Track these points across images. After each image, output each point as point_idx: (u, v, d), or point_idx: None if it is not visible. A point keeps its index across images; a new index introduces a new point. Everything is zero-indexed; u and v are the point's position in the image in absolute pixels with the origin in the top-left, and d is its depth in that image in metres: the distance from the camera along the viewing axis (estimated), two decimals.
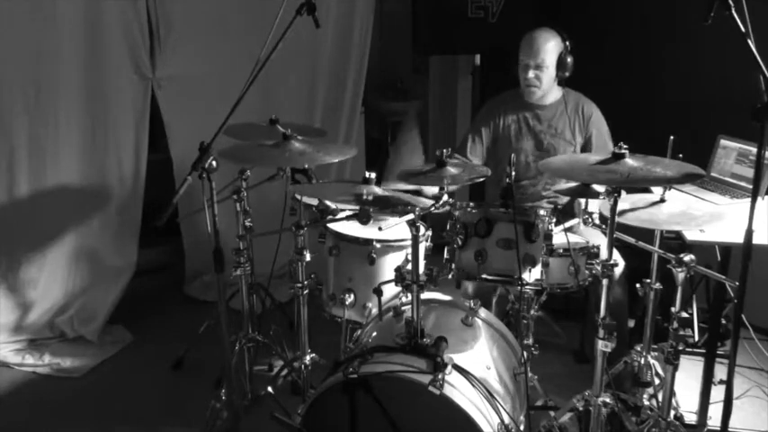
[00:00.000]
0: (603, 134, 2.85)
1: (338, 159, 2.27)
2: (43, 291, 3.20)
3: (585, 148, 2.84)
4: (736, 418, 2.13)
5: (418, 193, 2.17)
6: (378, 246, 2.31)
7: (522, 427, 1.95)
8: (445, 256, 2.18)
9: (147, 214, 3.37)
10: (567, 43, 2.73)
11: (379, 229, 1.93)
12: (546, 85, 2.76)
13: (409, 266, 1.94)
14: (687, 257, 1.96)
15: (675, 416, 2.36)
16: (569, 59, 2.71)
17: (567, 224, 2.19)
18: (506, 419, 1.83)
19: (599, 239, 2.35)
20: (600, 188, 2.06)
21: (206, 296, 3.61)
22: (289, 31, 1.88)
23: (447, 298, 2.23)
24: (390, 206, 1.95)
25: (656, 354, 2.39)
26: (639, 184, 2.00)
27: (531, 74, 2.73)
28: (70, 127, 3.11)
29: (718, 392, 2.00)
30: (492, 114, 2.94)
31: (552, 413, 2.22)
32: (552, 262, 2.13)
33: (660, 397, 2.23)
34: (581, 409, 2.12)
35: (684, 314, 2.04)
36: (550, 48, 2.70)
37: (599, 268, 1.95)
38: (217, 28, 3.37)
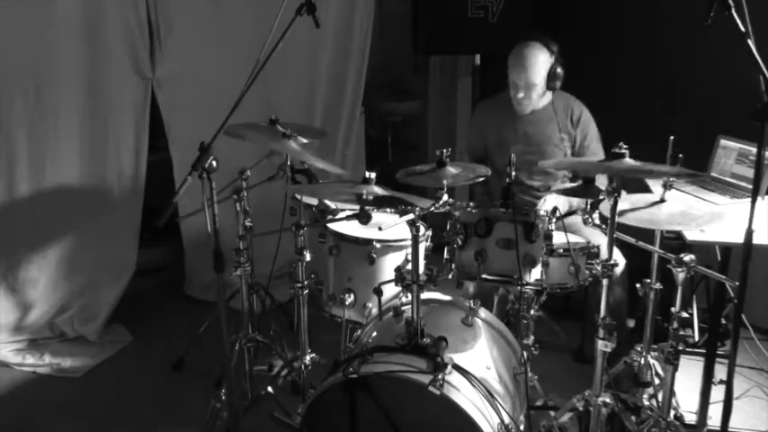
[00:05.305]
0: (592, 136, 2.84)
1: (328, 167, 2.25)
2: (43, 291, 3.20)
3: (576, 149, 2.85)
4: (736, 418, 2.13)
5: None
6: (378, 246, 2.31)
7: (522, 427, 1.95)
8: (445, 256, 2.18)
9: (147, 214, 3.38)
10: (557, 53, 2.72)
11: (379, 229, 1.93)
12: (535, 101, 2.78)
13: (409, 266, 1.94)
14: (687, 257, 1.96)
15: (675, 416, 2.36)
16: (559, 70, 2.71)
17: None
18: (506, 419, 1.83)
19: (599, 239, 2.35)
20: (600, 187, 2.06)
21: (206, 296, 3.61)
22: (289, 31, 1.88)
23: (447, 298, 2.23)
24: (391, 205, 1.95)
25: (656, 354, 2.38)
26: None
27: (520, 94, 2.74)
28: (70, 127, 3.11)
29: (718, 392, 2.00)
30: (481, 121, 3.01)
31: (552, 413, 2.22)
32: (552, 262, 2.13)
33: (660, 397, 2.23)
34: (581, 409, 2.12)
35: (684, 314, 2.04)
36: (539, 66, 2.69)
37: (599, 268, 1.95)
38: (217, 28, 3.37)
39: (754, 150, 2.56)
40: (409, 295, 1.95)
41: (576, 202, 2.69)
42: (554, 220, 2.10)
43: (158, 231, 2.37)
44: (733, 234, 2.23)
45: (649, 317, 2.34)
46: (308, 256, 2.34)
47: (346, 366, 1.82)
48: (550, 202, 2.62)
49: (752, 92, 1.54)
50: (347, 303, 2.35)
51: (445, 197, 2.11)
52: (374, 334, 2.16)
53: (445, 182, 2.14)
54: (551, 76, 2.71)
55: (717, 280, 2.23)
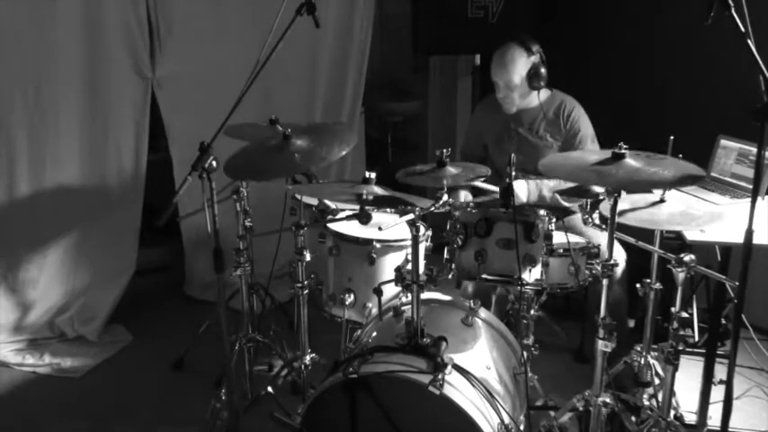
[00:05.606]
0: (585, 134, 2.81)
1: (343, 152, 2.18)
2: (43, 291, 3.20)
3: (564, 146, 2.82)
4: (736, 418, 2.14)
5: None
6: (378, 246, 2.31)
7: (522, 427, 1.95)
8: (445, 256, 2.18)
9: (148, 214, 3.38)
10: (540, 53, 2.72)
11: (379, 229, 1.93)
12: (518, 100, 2.80)
13: (409, 266, 1.94)
14: (687, 257, 1.96)
15: (675, 416, 2.36)
16: (542, 70, 2.72)
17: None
18: (506, 419, 1.83)
19: (600, 239, 2.35)
20: (599, 188, 2.06)
21: (206, 296, 3.61)
22: (289, 32, 1.88)
23: (447, 298, 2.23)
24: (391, 205, 1.95)
25: (656, 354, 2.38)
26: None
27: (501, 93, 2.79)
28: (70, 127, 3.11)
29: (718, 392, 2.00)
30: (480, 121, 3.03)
31: (552, 413, 2.22)
32: (552, 262, 2.13)
33: (660, 397, 2.23)
34: (581, 409, 2.12)
35: (684, 314, 2.04)
36: (517, 67, 2.71)
37: (599, 268, 1.95)
38: (217, 28, 3.37)
39: (754, 150, 2.56)
40: (409, 295, 1.95)
41: (547, 192, 2.67)
42: (554, 220, 2.10)
43: (158, 231, 2.38)
44: (733, 234, 2.23)
45: (649, 317, 2.34)
46: (308, 256, 2.34)
47: (346, 366, 1.82)
48: (518, 187, 2.61)
49: (752, 92, 1.53)
50: (347, 303, 2.35)
51: (445, 197, 2.11)
52: (374, 334, 2.16)
53: (445, 182, 2.14)
54: (533, 75, 2.72)
55: (717, 280, 2.23)
